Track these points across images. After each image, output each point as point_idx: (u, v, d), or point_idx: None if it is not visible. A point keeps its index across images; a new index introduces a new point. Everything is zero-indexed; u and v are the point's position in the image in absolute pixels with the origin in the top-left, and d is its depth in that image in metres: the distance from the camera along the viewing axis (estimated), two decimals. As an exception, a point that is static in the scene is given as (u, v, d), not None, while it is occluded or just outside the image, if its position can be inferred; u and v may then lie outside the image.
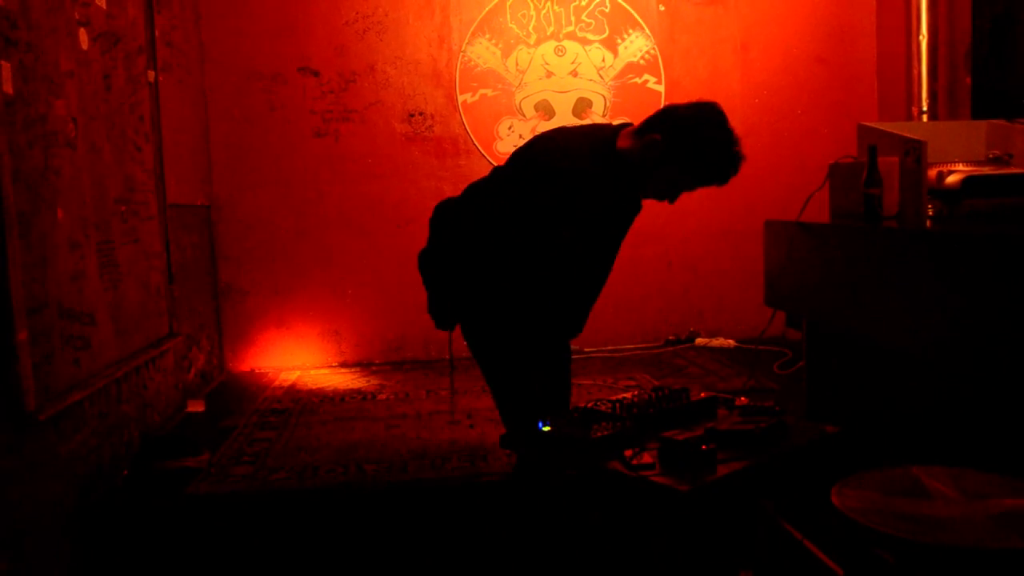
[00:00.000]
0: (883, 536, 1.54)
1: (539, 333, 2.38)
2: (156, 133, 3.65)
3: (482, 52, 4.83)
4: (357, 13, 4.77)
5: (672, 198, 2.38)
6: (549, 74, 4.88)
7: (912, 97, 4.41)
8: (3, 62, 2.31)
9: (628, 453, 1.99)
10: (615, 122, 2.42)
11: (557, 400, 2.50)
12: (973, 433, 2.21)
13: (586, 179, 2.25)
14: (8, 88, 2.33)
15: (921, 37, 4.32)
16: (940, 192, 2.53)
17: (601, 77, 4.91)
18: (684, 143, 2.23)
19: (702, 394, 2.41)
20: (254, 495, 2.78)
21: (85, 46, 2.91)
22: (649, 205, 2.45)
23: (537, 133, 2.57)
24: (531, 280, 2.31)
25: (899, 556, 1.53)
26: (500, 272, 2.33)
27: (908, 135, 2.62)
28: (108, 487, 2.80)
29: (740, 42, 5.04)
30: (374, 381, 4.43)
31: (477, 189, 2.49)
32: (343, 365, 4.87)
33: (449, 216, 2.48)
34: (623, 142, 2.33)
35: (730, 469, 1.92)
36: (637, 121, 2.44)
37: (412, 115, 4.84)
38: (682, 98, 5.33)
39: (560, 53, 4.89)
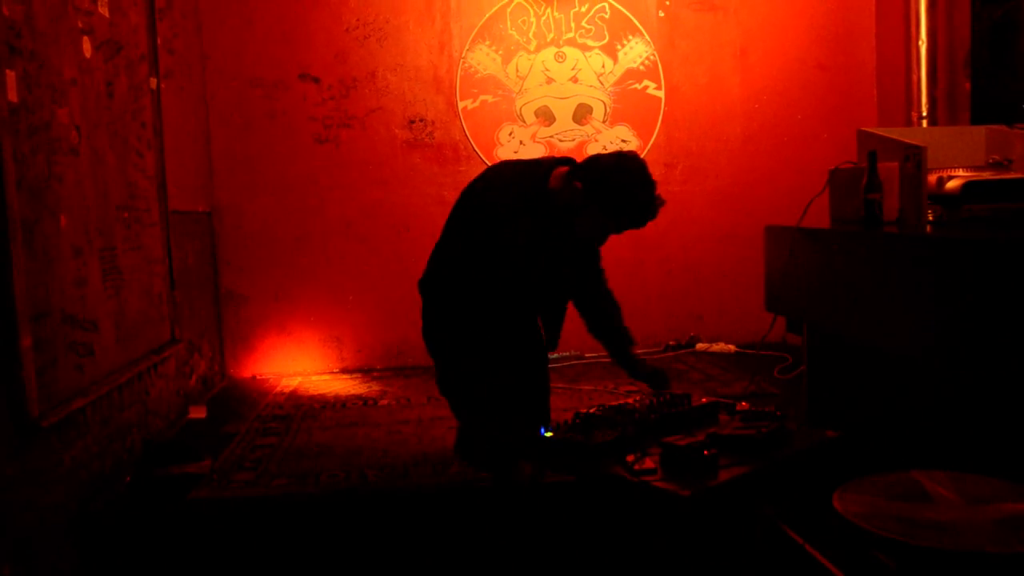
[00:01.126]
0: (884, 540, 1.54)
1: (502, 349, 2.52)
2: (158, 140, 3.66)
3: (482, 58, 4.85)
4: (358, 20, 4.79)
5: (599, 240, 2.55)
6: (549, 80, 4.90)
7: (912, 102, 4.42)
8: (7, 70, 2.32)
9: (630, 458, 1.99)
10: (557, 156, 2.60)
11: (535, 409, 2.55)
12: (974, 437, 2.22)
13: (508, 212, 2.42)
14: (12, 96, 2.34)
15: (920, 43, 4.34)
16: (940, 197, 2.54)
17: (601, 83, 4.93)
18: (600, 190, 2.36)
19: (703, 399, 2.42)
20: (256, 501, 2.78)
21: (88, 54, 2.93)
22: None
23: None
24: (485, 303, 2.48)
25: (900, 560, 1.53)
26: (459, 298, 2.52)
27: (908, 140, 2.63)
28: (111, 493, 2.80)
29: (740, 48, 5.06)
30: (375, 387, 4.44)
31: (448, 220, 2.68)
32: (344, 371, 4.87)
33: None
34: (554, 182, 2.46)
35: (732, 474, 1.93)
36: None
37: (413, 121, 4.86)
38: (682, 103, 5.37)
39: (560, 59, 4.90)
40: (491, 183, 2.52)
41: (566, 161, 2.52)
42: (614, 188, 2.34)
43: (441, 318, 2.59)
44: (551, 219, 2.43)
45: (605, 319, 2.70)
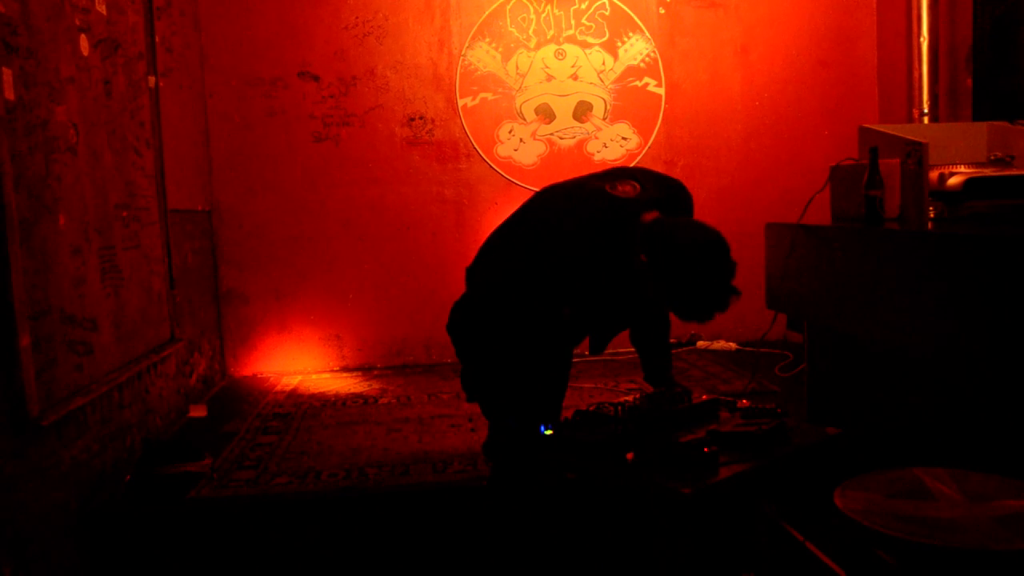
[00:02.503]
0: (885, 538, 1.54)
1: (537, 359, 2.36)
2: (157, 138, 3.65)
3: (482, 56, 4.84)
4: (357, 17, 4.78)
5: (663, 309, 2.38)
6: (549, 77, 4.89)
7: (913, 99, 4.41)
8: (4, 68, 2.32)
9: (631, 456, 1.99)
10: (651, 192, 2.29)
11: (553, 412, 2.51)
12: (975, 435, 2.21)
13: (589, 263, 2.19)
14: (9, 94, 2.33)
15: (922, 39, 4.33)
16: (942, 194, 2.54)
17: (601, 80, 4.92)
18: (665, 274, 2.12)
19: (704, 396, 2.41)
20: (256, 499, 2.78)
21: (86, 52, 2.92)
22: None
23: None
24: (538, 325, 2.27)
25: (901, 558, 1.53)
26: (509, 308, 2.31)
27: (909, 137, 2.63)
28: (111, 492, 2.80)
29: (740, 45, 5.05)
30: (375, 385, 4.43)
31: (501, 239, 2.48)
32: (344, 369, 4.87)
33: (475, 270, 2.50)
34: (639, 234, 2.21)
35: (732, 471, 1.93)
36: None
37: (412, 119, 4.85)
38: (683, 101, 5.35)
39: (560, 56, 4.89)
40: (580, 219, 2.24)
41: (655, 201, 2.25)
42: (679, 279, 2.09)
43: (481, 318, 2.42)
44: (628, 274, 2.19)
45: (657, 341, 2.59)
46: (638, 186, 2.33)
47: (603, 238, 2.20)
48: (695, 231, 2.17)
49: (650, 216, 2.23)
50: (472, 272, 2.53)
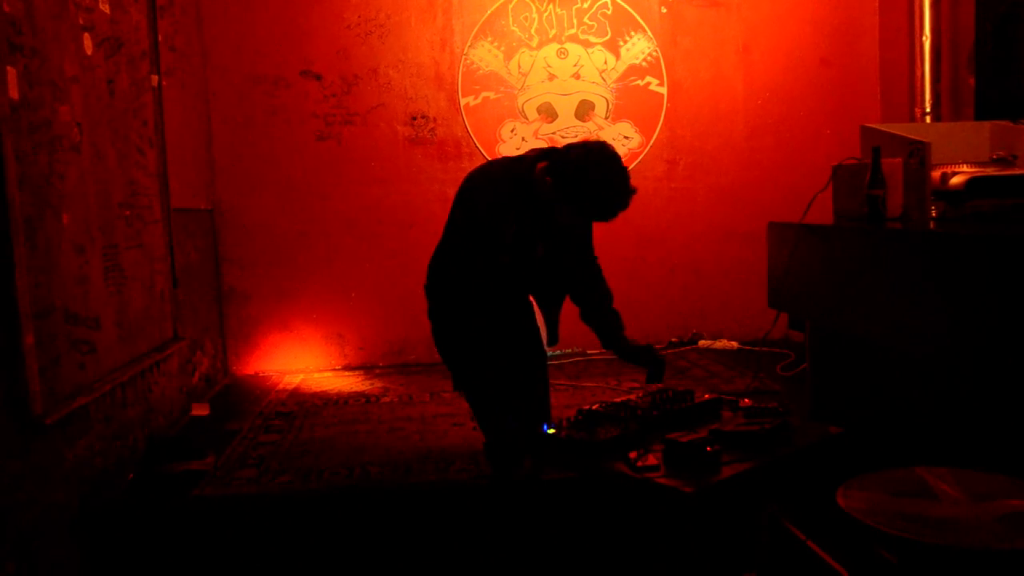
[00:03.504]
0: (888, 537, 1.54)
1: (499, 344, 2.53)
2: (159, 137, 3.66)
3: (484, 55, 4.84)
4: (359, 16, 4.78)
5: (583, 229, 2.65)
6: (551, 77, 4.89)
7: (915, 98, 4.41)
8: (8, 67, 2.32)
9: (633, 455, 1.99)
10: (543, 149, 2.60)
11: (535, 405, 2.55)
12: (978, 434, 2.21)
13: (495, 208, 2.45)
14: (13, 93, 2.34)
15: (924, 38, 4.32)
16: (944, 193, 2.53)
17: (603, 79, 4.92)
18: (568, 187, 2.38)
19: (706, 396, 2.41)
20: (259, 498, 2.79)
21: (89, 51, 2.92)
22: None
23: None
24: (480, 298, 2.50)
25: (904, 557, 1.53)
26: (455, 295, 2.55)
27: (912, 136, 2.63)
28: (114, 490, 2.81)
29: (742, 44, 5.04)
30: (377, 384, 4.44)
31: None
32: (346, 368, 4.87)
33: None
34: (537, 175, 2.48)
35: (735, 470, 1.93)
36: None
37: (414, 118, 4.85)
38: (685, 100, 5.36)
39: (562, 56, 4.89)
40: (476, 182, 2.56)
41: (548, 153, 2.54)
42: (580, 184, 2.35)
43: (443, 317, 2.61)
44: (536, 211, 2.46)
45: (596, 305, 2.71)
46: (536, 151, 2.59)
47: (507, 184, 2.48)
48: (584, 145, 2.45)
49: (541, 165, 2.48)
50: (427, 286, 2.68)
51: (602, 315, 2.69)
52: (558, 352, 4.72)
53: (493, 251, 2.44)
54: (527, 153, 2.61)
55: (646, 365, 2.58)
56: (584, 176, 2.35)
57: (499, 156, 4.80)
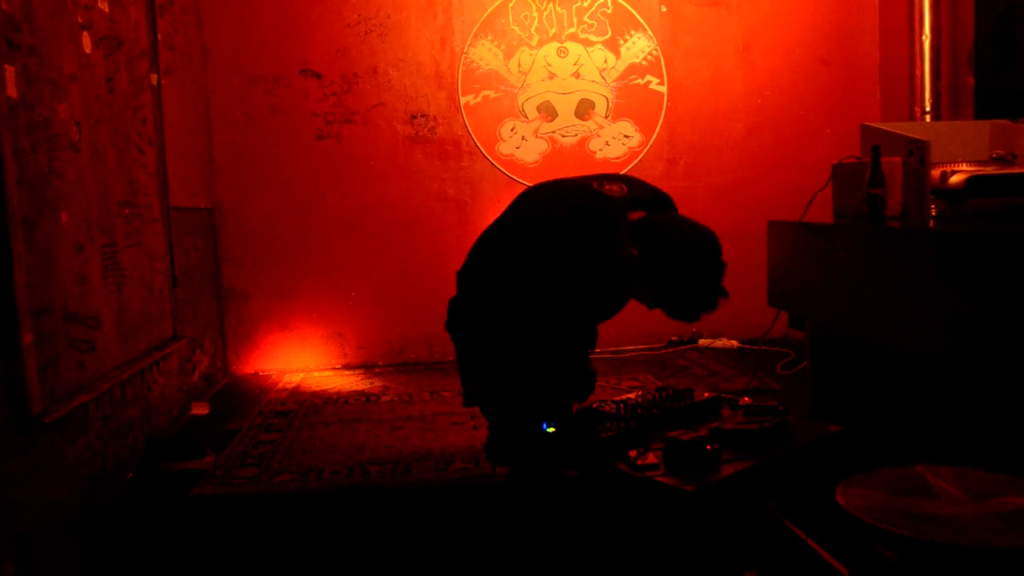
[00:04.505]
0: (888, 535, 1.54)
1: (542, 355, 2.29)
2: (159, 136, 3.66)
3: (484, 54, 4.84)
4: (359, 15, 4.78)
5: (650, 306, 2.24)
6: (551, 75, 4.89)
7: (915, 97, 4.41)
8: (7, 66, 2.32)
9: (633, 453, 1.99)
10: (637, 193, 2.24)
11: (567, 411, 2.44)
12: (978, 432, 2.21)
13: (575, 266, 2.14)
14: (12, 92, 2.34)
15: (924, 37, 4.32)
16: (943, 192, 2.53)
17: (603, 78, 4.91)
18: (654, 270, 2.06)
19: (706, 394, 2.41)
20: (259, 497, 2.78)
21: (88, 49, 2.92)
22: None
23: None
24: (530, 323, 2.21)
25: (904, 555, 1.53)
26: (501, 308, 2.27)
27: (911, 135, 2.63)
28: (113, 490, 2.81)
29: (742, 43, 5.04)
30: (378, 383, 4.44)
31: (489, 239, 2.43)
32: (347, 367, 4.87)
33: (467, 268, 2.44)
34: (624, 231, 2.16)
35: (734, 469, 1.93)
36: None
37: (414, 117, 4.85)
38: (685, 98, 5.34)
39: (562, 54, 4.89)
40: (558, 217, 2.19)
41: (642, 202, 2.20)
42: (669, 273, 2.03)
43: (480, 321, 2.36)
44: (615, 274, 2.15)
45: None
46: (625, 188, 2.30)
47: (589, 230, 2.14)
48: (689, 228, 2.13)
49: (637, 215, 2.18)
50: (463, 276, 2.45)
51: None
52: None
53: (557, 299, 2.13)
54: (611, 189, 2.21)
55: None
56: (676, 270, 2.03)
57: (500, 156, 4.80)
